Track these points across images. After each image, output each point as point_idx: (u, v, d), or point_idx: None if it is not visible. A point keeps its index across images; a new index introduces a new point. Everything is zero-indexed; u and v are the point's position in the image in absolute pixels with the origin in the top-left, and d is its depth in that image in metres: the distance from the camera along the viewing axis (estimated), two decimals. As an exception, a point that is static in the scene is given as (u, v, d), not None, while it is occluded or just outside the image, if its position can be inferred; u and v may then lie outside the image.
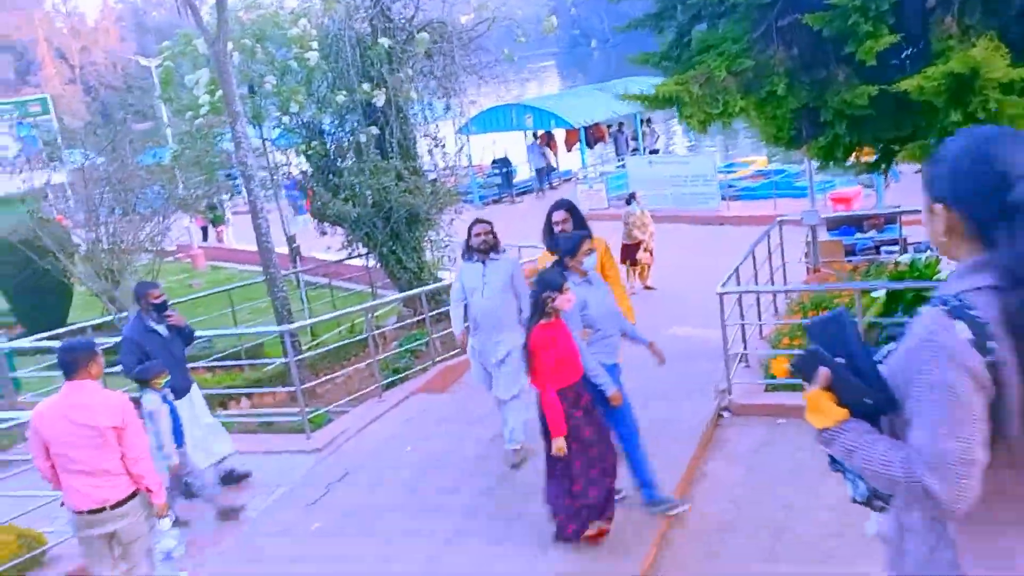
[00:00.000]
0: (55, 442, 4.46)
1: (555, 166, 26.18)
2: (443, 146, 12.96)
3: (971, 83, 4.98)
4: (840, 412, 1.80)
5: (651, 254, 12.90)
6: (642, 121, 25.24)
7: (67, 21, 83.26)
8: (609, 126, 26.19)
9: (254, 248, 9.76)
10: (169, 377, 5.78)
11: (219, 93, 10.72)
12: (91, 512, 4.48)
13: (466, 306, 6.32)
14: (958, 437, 1.63)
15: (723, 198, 18.54)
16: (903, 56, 5.59)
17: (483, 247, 6.15)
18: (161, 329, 6.24)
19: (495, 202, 24.05)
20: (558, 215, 5.72)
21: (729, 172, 21.43)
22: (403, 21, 12.02)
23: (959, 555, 1.75)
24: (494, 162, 25.19)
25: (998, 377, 1.64)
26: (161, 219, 12.03)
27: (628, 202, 13.16)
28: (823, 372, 1.81)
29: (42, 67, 77.46)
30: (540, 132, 25.47)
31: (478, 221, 6.33)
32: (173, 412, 5.73)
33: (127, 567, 4.64)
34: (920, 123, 5.64)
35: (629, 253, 12.67)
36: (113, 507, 4.49)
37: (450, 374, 8.93)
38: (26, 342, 9.75)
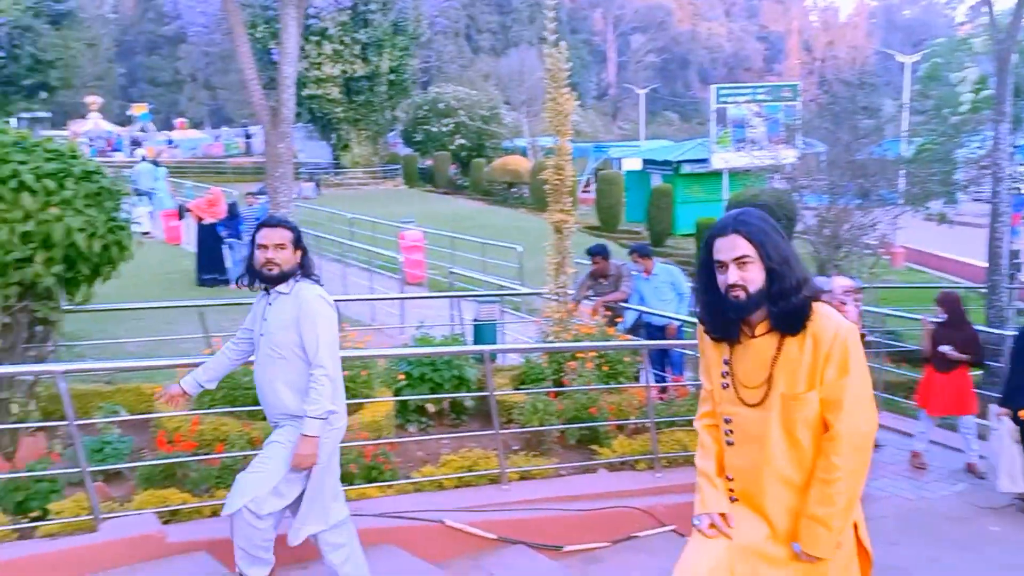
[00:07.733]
0: None
1: None
2: None
3: None
4: None
5: None
6: None
7: (821, 15, 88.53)
8: None
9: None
10: None
11: (984, 92, 10.61)
12: None
13: None
14: None
15: None
16: None
17: None
18: None
19: None
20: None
21: None
22: None
23: None
24: None
25: None
26: (891, 211, 12.54)
27: None
28: None
29: (787, 56, 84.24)
30: None
31: None
32: None
33: None
34: None
35: None
36: None
37: None
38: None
